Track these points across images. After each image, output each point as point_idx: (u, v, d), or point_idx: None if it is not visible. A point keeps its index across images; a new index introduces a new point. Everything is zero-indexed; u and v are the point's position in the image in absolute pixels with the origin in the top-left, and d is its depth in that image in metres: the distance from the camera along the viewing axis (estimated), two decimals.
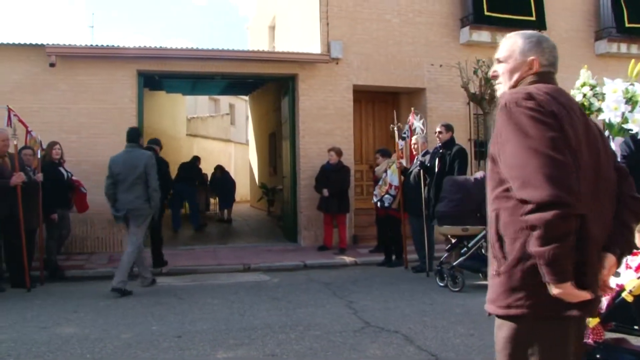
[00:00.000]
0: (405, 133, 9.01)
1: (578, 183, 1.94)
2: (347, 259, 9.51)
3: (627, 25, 12.79)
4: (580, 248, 1.96)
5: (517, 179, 1.98)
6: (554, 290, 1.95)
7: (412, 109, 9.15)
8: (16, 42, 10.02)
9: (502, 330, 2.16)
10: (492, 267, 2.18)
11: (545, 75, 2.28)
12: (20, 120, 7.60)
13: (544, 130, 1.97)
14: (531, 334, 2.09)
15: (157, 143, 9.02)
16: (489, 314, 2.22)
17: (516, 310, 2.07)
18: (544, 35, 2.39)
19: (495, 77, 2.41)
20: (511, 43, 2.34)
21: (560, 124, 2.01)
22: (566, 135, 2.01)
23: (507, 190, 2.08)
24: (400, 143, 8.97)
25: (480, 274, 7.56)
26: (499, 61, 2.38)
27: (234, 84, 15.92)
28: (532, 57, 2.28)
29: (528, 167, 1.94)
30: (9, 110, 7.57)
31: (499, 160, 2.10)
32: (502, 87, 2.37)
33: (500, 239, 2.12)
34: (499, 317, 2.17)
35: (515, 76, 2.31)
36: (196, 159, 15.51)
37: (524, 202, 1.94)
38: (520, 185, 1.95)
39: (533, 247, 1.92)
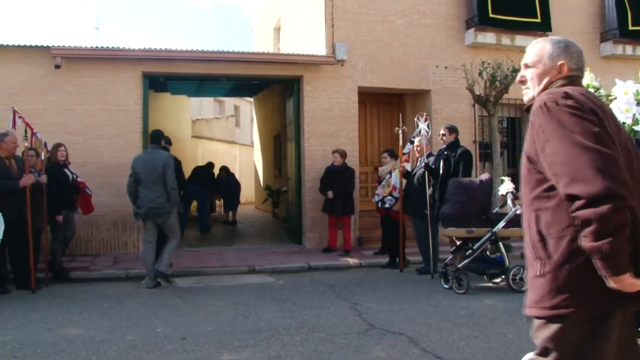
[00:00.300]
0: (414, 136, 8.98)
1: (628, 175, 1.94)
2: (352, 260, 9.50)
3: (630, 28, 12.74)
4: (634, 239, 1.95)
5: (564, 175, 1.97)
6: (612, 284, 1.93)
7: (424, 114, 9.08)
8: (21, 44, 10.02)
9: (546, 332, 2.13)
10: (532, 269, 2.16)
11: (574, 79, 2.31)
12: (25, 122, 7.61)
13: (588, 126, 1.99)
14: (581, 331, 2.07)
15: (167, 141, 9.30)
16: (529, 318, 2.20)
17: (565, 310, 2.05)
18: (572, 41, 2.42)
19: (524, 82, 2.43)
20: (540, 48, 2.39)
21: (601, 121, 2.03)
22: (607, 132, 2.02)
23: (548, 190, 2.09)
24: (408, 147, 8.94)
25: (485, 276, 7.55)
26: (527, 66, 2.41)
27: (239, 86, 15.92)
28: (561, 62, 2.32)
29: (576, 162, 1.93)
30: (14, 112, 7.59)
31: (539, 160, 2.10)
32: (530, 92, 2.41)
33: (543, 239, 2.11)
34: (545, 318, 2.13)
35: (545, 80, 2.34)
36: (211, 165, 15.70)
37: (573, 198, 1.93)
38: (570, 182, 1.94)
39: (587, 242, 1.91)
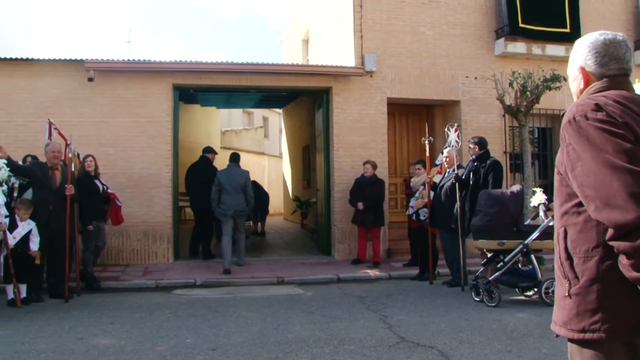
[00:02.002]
0: (446, 147, 8.84)
1: None
2: (381, 272, 9.43)
3: None
4: None
5: (594, 199, 1.81)
6: None
7: (455, 124, 9.00)
8: (56, 58, 10.26)
9: (579, 357, 2.00)
10: (560, 288, 2.04)
11: (617, 80, 2.09)
12: (60, 134, 7.75)
13: (620, 143, 1.80)
14: (612, 357, 1.92)
15: (210, 150, 11.52)
16: (557, 335, 2.07)
17: (592, 335, 1.90)
18: (609, 35, 2.19)
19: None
20: (573, 50, 2.23)
21: (635, 134, 1.84)
22: None
23: (577, 205, 1.95)
24: (440, 158, 8.86)
25: (517, 289, 7.44)
26: (572, 69, 2.24)
27: (268, 97, 16.00)
28: (583, 64, 2.15)
29: (607, 185, 1.77)
30: (50, 123, 7.73)
31: (570, 178, 1.94)
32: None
33: (570, 257, 1.98)
34: (573, 341, 2.00)
35: (579, 86, 2.18)
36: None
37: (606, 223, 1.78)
38: (600, 207, 1.78)
39: (628, 271, 1.76)
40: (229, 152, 10.88)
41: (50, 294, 7.55)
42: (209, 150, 11.58)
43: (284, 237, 15.68)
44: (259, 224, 16.26)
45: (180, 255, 10.94)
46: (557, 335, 2.07)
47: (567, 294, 1.98)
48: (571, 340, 2.01)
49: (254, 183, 16.48)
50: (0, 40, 14.23)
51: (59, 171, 7.70)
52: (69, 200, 7.52)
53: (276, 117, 28.66)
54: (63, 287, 7.44)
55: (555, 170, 2.09)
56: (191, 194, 11.56)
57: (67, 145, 8.08)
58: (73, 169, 8.21)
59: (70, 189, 7.50)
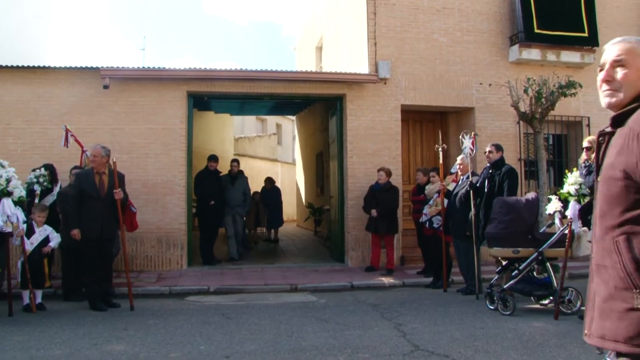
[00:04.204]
0: (464, 149, 8.78)
1: None
2: (395, 280, 9.39)
3: None
4: None
5: None
6: None
7: (472, 132, 8.95)
8: (72, 66, 10.35)
9: None
10: (624, 301, 1.89)
11: None
12: (76, 140, 7.80)
13: None
14: None
15: (212, 159, 11.63)
16: (603, 350, 1.97)
17: None
18: None
19: (610, 81, 2.07)
20: (630, 48, 2.05)
21: None
22: None
23: None
24: (455, 167, 8.80)
25: (532, 297, 7.37)
26: (618, 64, 2.05)
27: (282, 104, 16.03)
28: None
29: None
30: (67, 130, 7.79)
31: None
32: (618, 95, 2.05)
33: (639, 267, 1.86)
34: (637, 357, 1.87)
35: None
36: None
37: None
38: None
39: None
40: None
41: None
42: (209, 158, 11.73)
43: (297, 244, 15.67)
44: (272, 230, 16.25)
45: (193, 261, 10.96)
46: (602, 351, 1.95)
47: (635, 306, 1.86)
48: (633, 357, 1.88)
49: (270, 180, 16.62)
50: (19, 48, 14.39)
51: (106, 175, 7.48)
52: (119, 204, 7.41)
53: (289, 124, 28.74)
54: (112, 294, 7.60)
55: (607, 176, 1.97)
56: (197, 200, 11.73)
57: (83, 151, 8.15)
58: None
59: (119, 193, 7.37)
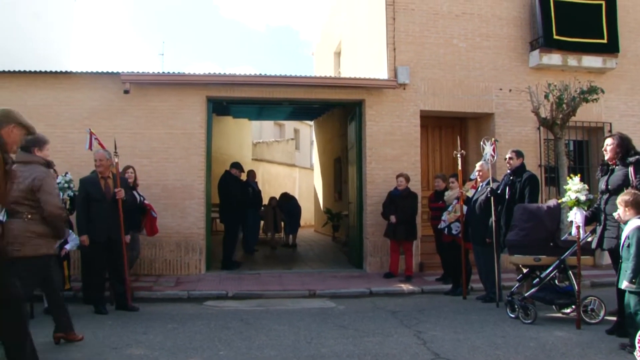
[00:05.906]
0: (485, 156, 8.67)
1: None
2: (414, 286, 9.32)
3: None
4: None
5: None
6: None
7: (493, 138, 8.86)
8: (93, 71, 10.44)
9: None
10: None
11: None
12: (100, 144, 7.85)
13: None
14: None
15: (235, 166, 11.95)
16: None
17: None
18: None
19: None
20: None
21: None
22: None
23: None
24: (474, 174, 8.72)
25: (554, 306, 7.27)
26: None
27: (300, 110, 16.03)
28: None
29: None
30: (91, 133, 7.84)
31: None
32: None
33: None
34: None
35: None
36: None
37: None
38: None
39: None
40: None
41: (117, 306, 7.64)
42: (234, 165, 12.05)
43: (315, 250, 15.62)
44: (290, 236, 16.25)
45: (212, 266, 10.98)
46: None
47: None
48: None
49: (286, 196, 16.60)
50: (42, 53, 14.57)
51: (111, 179, 7.58)
52: (121, 204, 7.49)
53: (307, 129, 28.76)
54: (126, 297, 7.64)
55: None
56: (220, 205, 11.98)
57: None
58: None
59: (120, 192, 7.47)
